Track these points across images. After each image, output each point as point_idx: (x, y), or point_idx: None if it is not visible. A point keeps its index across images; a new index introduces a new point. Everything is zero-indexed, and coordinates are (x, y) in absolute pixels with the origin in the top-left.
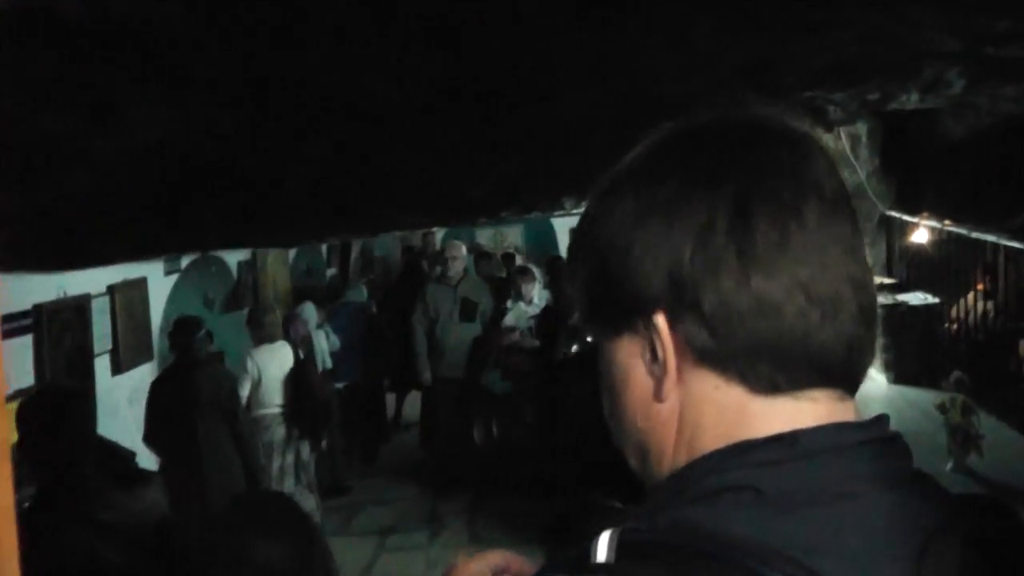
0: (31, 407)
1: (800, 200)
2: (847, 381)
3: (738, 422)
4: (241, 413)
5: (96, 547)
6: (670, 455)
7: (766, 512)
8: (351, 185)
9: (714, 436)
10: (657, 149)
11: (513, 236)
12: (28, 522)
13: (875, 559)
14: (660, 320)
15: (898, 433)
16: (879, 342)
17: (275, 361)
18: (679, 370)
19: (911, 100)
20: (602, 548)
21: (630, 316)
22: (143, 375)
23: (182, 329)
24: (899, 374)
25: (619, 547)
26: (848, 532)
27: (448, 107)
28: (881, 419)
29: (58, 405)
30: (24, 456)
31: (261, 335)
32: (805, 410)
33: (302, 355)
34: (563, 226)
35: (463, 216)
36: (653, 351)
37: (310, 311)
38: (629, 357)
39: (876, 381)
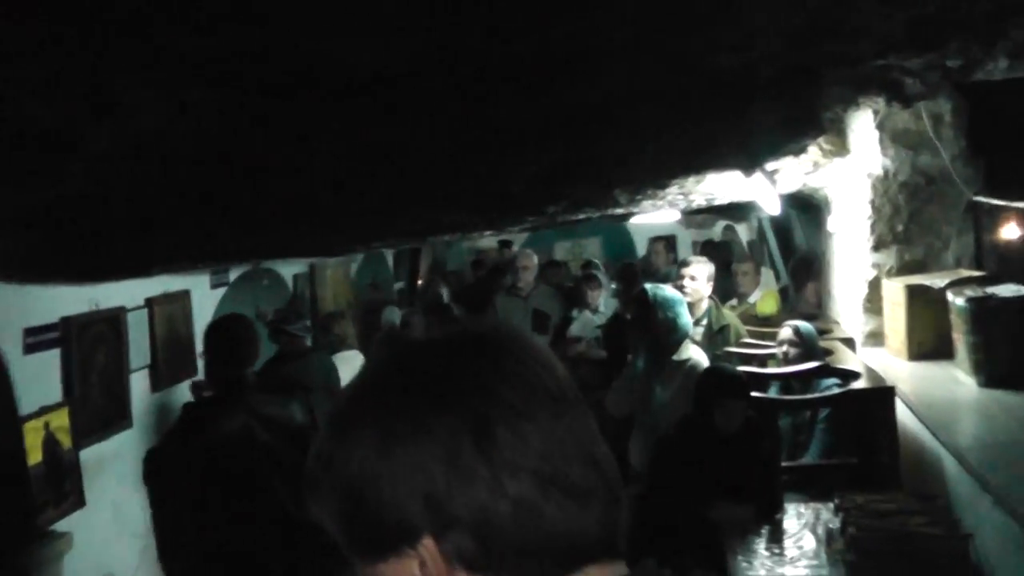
0: (213, 332)
1: (532, 405)
2: (612, 550)
3: None
4: None
5: (252, 427)
6: None
7: None
8: (376, 183)
9: None
10: (387, 376)
11: (592, 248)
12: (210, 407)
13: None
14: (428, 543)
15: None
16: (969, 340)
17: (349, 372)
18: None
19: (999, 69)
20: None
21: (395, 543)
22: (185, 392)
23: (285, 319)
24: (991, 376)
25: None
26: None
27: (475, 88)
28: None
29: (233, 330)
30: (208, 368)
31: (330, 342)
32: None
33: None
34: (642, 233)
35: (507, 214)
36: (424, 569)
37: (393, 313)
38: None
39: (966, 385)
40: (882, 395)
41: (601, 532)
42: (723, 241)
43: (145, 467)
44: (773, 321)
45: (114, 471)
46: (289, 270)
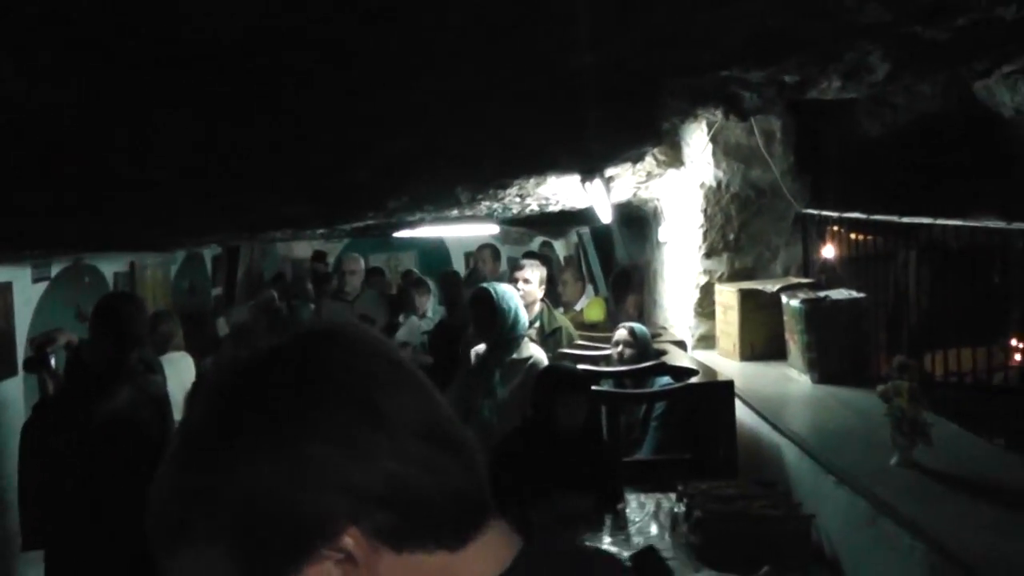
0: (99, 311)
1: (394, 376)
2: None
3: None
4: None
5: (137, 404)
6: None
7: None
8: (213, 166)
9: None
10: (251, 385)
11: (408, 260)
12: (100, 380)
13: None
14: (351, 531)
15: None
16: (803, 340)
17: (176, 375)
18: (380, 567)
19: (831, 88)
20: None
21: (310, 547)
22: (7, 391)
23: None
24: (824, 373)
25: None
26: None
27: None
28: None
29: (118, 310)
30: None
31: (154, 342)
32: (500, 544)
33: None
34: (458, 247)
35: (348, 207)
36: (348, 564)
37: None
38: None
39: (800, 382)
40: (722, 388)
41: (485, 484)
42: (542, 254)
43: (30, 417)
44: (600, 327)
45: None
46: (110, 268)
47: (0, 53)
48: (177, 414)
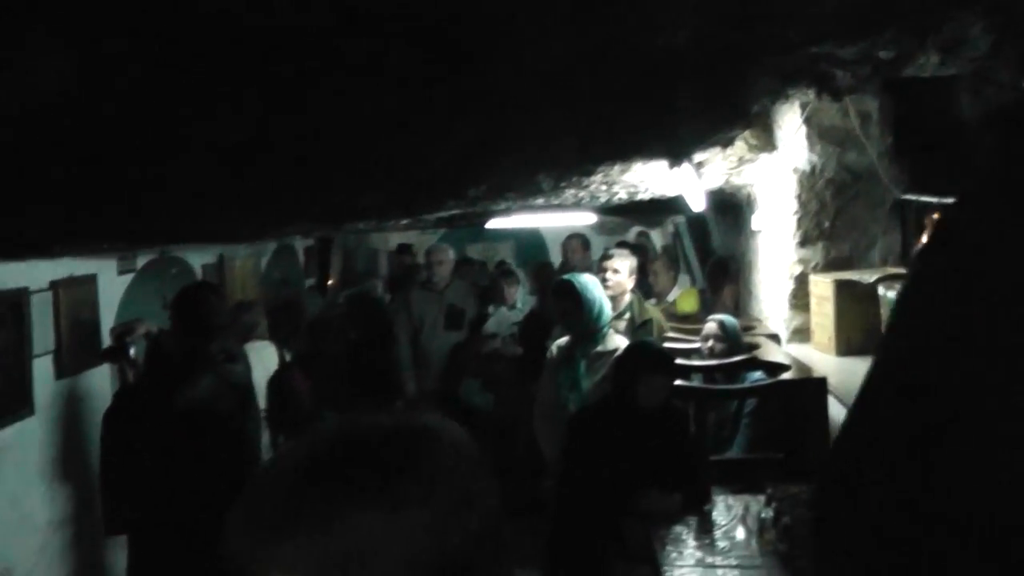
0: (179, 301)
1: (476, 482)
2: None
3: None
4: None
5: (219, 393)
6: None
7: None
8: (288, 159)
9: None
10: (382, 441)
11: (505, 251)
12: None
13: None
14: None
15: None
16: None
17: (260, 363)
18: None
19: (929, 63)
20: None
21: None
22: (93, 381)
23: None
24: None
25: None
26: None
27: (392, 57)
28: None
29: (198, 300)
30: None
31: (239, 331)
32: None
33: (288, 357)
34: (555, 238)
35: (426, 196)
36: None
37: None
38: None
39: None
40: (814, 386)
41: None
42: (638, 244)
43: (111, 406)
44: (693, 319)
45: (13, 461)
46: (198, 260)
47: (64, 47)
48: (260, 401)
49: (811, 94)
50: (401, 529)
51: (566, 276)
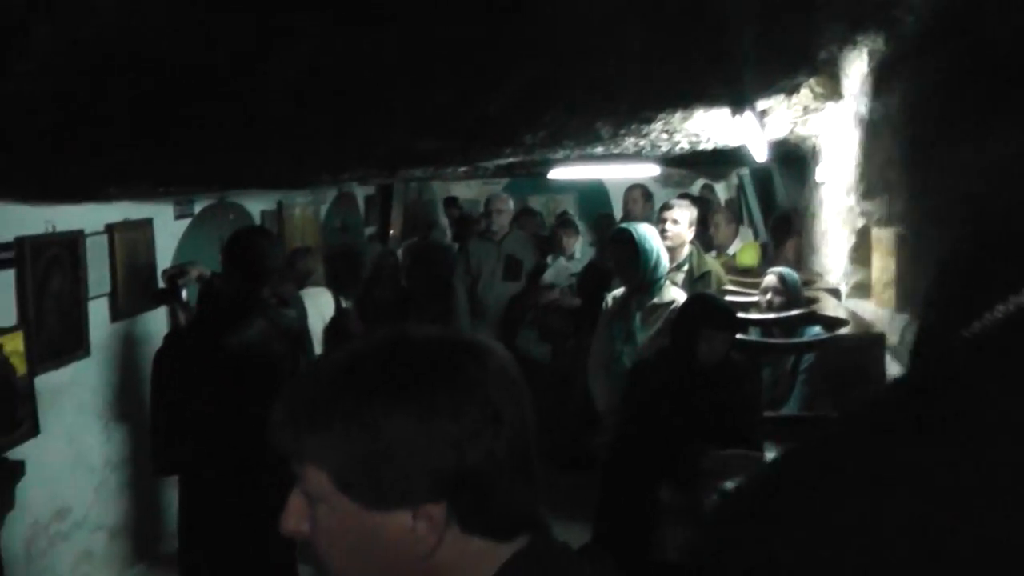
0: (231, 245)
1: (515, 399)
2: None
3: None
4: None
5: (271, 336)
6: None
7: None
8: (342, 102)
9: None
10: (425, 352)
11: (567, 202)
12: (232, 313)
13: None
14: (436, 506)
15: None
16: None
17: (315, 308)
18: (447, 536)
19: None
20: None
21: (403, 501)
22: (149, 323)
23: None
24: None
25: None
26: None
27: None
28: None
29: (250, 244)
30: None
31: (296, 276)
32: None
33: (344, 304)
34: (617, 189)
35: (482, 142)
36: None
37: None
38: (399, 529)
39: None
40: (871, 343)
41: (538, 501)
42: (700, 197)
43: (162, 347)
44: (753, 273)
45: (70, 401)
46: (256, 206)
47: None
48: (317, 347)
49: (880, 41)
50: (426, 438)
51: (623, 225)
